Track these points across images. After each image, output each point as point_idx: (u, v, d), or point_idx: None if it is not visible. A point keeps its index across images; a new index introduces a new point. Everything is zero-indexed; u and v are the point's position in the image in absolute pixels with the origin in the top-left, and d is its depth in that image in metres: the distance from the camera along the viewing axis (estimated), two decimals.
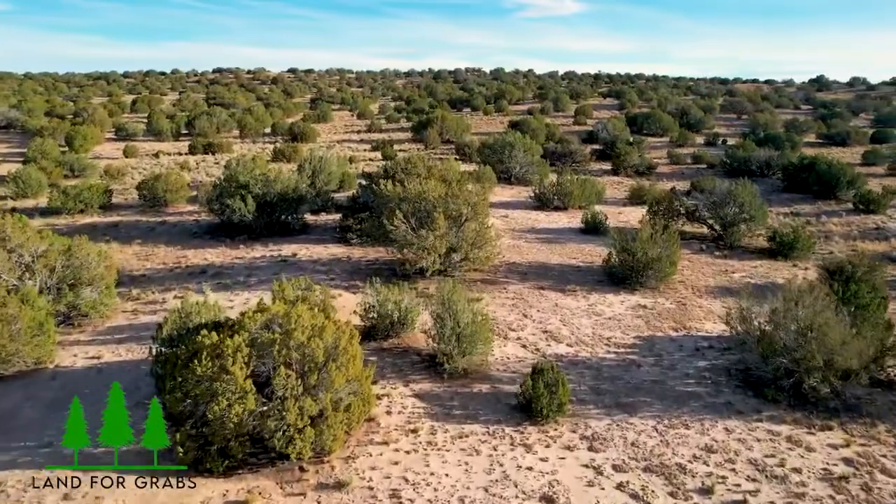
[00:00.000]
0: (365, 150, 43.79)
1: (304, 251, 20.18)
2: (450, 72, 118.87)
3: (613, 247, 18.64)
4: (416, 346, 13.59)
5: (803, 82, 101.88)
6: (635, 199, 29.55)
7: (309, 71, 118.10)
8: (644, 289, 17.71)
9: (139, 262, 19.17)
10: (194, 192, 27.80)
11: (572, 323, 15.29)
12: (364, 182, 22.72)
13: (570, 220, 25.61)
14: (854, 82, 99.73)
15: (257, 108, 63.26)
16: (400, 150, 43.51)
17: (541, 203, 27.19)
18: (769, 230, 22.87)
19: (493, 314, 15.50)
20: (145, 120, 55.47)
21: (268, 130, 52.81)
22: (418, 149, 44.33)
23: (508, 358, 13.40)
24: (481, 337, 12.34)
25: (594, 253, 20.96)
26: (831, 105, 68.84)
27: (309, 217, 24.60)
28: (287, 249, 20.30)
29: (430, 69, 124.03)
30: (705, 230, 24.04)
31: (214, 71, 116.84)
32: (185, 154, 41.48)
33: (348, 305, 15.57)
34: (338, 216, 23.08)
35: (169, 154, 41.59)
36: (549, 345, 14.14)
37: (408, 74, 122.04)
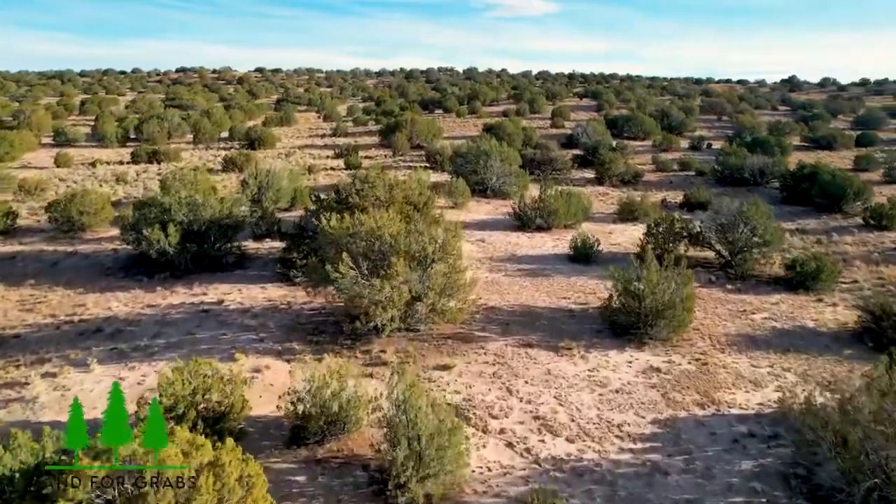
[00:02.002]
0: (328, 156, 39.61)
1: (236, 294, 16.12)
2: (422, 71, 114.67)
3: (614, 286, 15.00)
4: (361, 455, 9.70)
5: (775, 82, 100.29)
6: (625, 214, 26.06)
7: (277, 70, 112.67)
8: (654, 341, 14.10)
9: (21, 313, 14.90)
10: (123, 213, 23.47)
11: (571, 401, 11.57)
12: (312, 204, 18.73)
13: (556, 243, 21.94)
14: (825, 83, 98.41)
15: (216, 110, 58.48)
16: (366, 157, 39.46)
17: (521, 222, 23.48)
18: (786, 257, 19.54)
19: (467, 391, 11.72)
20: (93, 123, 50.49)
21: (225, 135, 48.22)
22: (385, 155, 40.35)
23: (490, 469, 9.60)
24: (451, 454, 8.53)
25: (588, 289, 17.32)
26: (809, 106, 66.64)
27: (251, 244, 20.53)
28: (214, 292, 16.21)
29: (401, 69, 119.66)
30: (709, 254, 20.63)
31: (178, 70, 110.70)
32: (127, 163, 36.84)
33: (278, 383, 11.62)
34: (285, 243, 19.04)
35: (108, 163, 36.88)
36: (542, 440, 10.40)
37: (379, 74, 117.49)
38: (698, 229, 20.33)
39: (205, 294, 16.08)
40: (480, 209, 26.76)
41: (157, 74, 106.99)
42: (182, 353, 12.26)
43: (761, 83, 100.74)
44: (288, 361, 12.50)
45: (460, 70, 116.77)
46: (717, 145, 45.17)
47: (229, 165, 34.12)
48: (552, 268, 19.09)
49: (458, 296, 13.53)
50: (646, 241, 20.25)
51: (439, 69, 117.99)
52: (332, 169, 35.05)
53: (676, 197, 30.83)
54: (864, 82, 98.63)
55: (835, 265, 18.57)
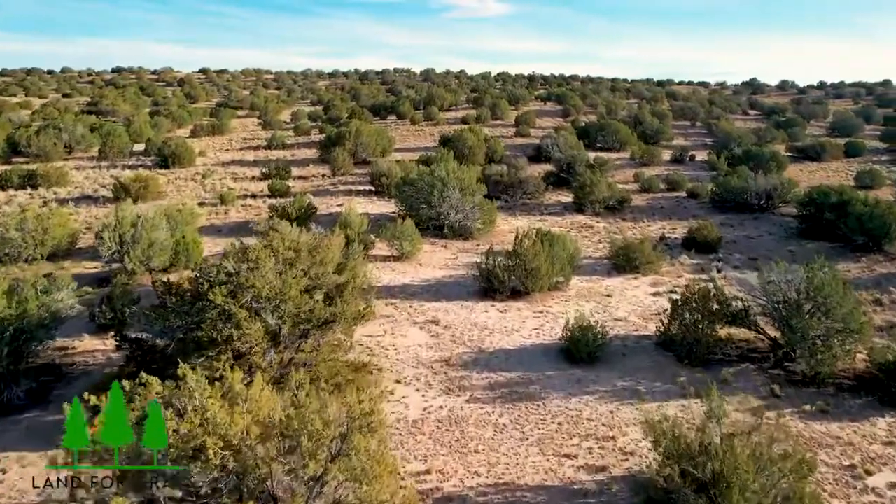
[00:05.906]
0: (253, 177, 32.00)
1: None
2: (377, 72, 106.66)
3: (655, 448, 8.40)
4: None
5: (736, 85, 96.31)
6: (621, 261, 19.55)
7: (222, 71, 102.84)
8: None
9: None
10: None
11: None
12: (161, 295, 11.44)
13: (540, 321, 15.20)
14: (784, 86, 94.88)
15: (137, 117, 49.80)
16: (300, 177, 32.11)
17: (490, 285, 16.67)
18: (871, 350, 13.31)
19: None
20: None
21: (142, 148, 39.87)
22: (324, 174, 32.99)
23: None
24: None
25: (601, 430, 10.60)
26: (780, 111, 61.96)
27: (86, 342, 13.15)
28: None
29: (356, 70, 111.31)
30: (751, 333, 14.32)
31: (113, 70, 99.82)
32: None
33: None
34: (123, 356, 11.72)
35: None
36: None
37: (331, 75, 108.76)
38: (741, 305, 13.95)
39: None
40: (435, 259, 19.83)
41: (90, 74, 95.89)
42: None
43: (723, 85, 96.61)
44: None
45: (417, 71, 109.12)
46: (700, 156, 39.50)
47: (120, 193, 26.26)
48: (540, 377, 12.32)
49: None
50: (669, 322, 13.80)
51: (395, 70, 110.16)
52: (253, 196, 27.53)
53: (674, 229, 24.67)
54: (821, 85, 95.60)
55: None
